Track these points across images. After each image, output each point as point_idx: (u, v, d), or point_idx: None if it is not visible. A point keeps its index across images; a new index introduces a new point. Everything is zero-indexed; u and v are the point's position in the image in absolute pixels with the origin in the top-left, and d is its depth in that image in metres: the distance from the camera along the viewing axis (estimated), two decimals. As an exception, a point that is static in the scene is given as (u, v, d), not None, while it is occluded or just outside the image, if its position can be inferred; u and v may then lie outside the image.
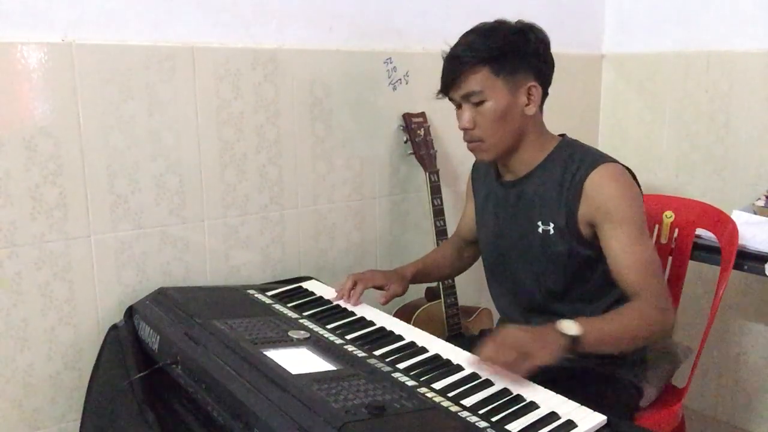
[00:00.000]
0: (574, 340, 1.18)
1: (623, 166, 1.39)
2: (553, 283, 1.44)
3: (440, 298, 1.90)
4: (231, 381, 1.12)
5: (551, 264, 1.42)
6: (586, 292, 1.44)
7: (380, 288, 1.58)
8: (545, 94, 1.44)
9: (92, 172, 1.51)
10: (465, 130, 1.41)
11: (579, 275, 1.42)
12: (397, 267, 1.66)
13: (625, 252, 1.33)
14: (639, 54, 2.39)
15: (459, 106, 1.42)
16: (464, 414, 1.03)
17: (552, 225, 1.40)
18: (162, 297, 1.51)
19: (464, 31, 1.43)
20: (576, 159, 1.39)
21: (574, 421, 1.02)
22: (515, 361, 1.13)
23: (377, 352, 1.26)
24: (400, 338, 1.33)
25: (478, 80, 1.36)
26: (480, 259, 1.78)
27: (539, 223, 1.42)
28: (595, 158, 1.38)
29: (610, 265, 1.35)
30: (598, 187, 1.35)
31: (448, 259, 1.74)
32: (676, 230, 1.77)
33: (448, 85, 1.41)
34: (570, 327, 1.19)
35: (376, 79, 1.91)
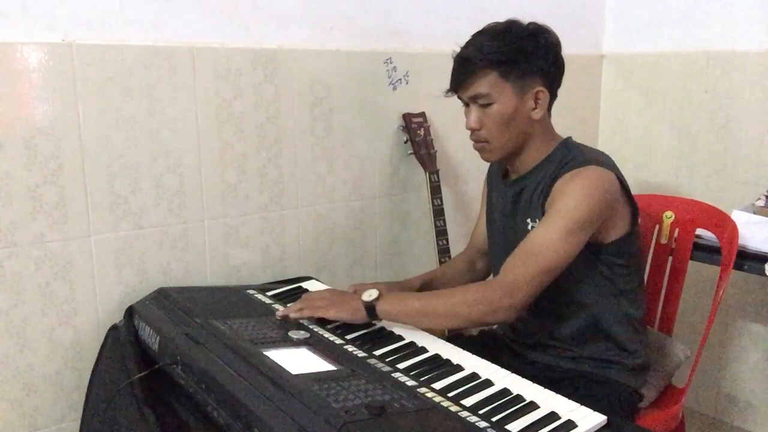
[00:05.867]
0: (370, 306, 1.33)
1: (614, 174, 1.36)
2: None
3: (440, 298, 1.90)
4: (231, 381, 1.12)
5: None
6: (566, 289, 1.41)
7: None
8: (554, 97, 1.43)
9: (92, 172, 1.51)
10: (471, 130, 1.42)
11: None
12: (405, 279, 1.64)
13: (532, 236, 1.33)
14: (639, 54, 2.39)
15: (466, 105, 1.43)
16: (464, 414, 1.03)
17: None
18: (162, 297, 1.51)
19: (465, 29, 1.41)
20: (568, 160, 1.38)
21: (574, 421, 1.02)
22: (321, 306, 1.35)
23: (377, 352, 1.26)
24: (400, 338, 1.33)
25: (487, 83, 1.36)
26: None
27: (528, 220, 1.43)
28: (582, 161, 1.37)
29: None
30: (561, 184, 1.34)
31: (458, 270, 1.70)
32: (676, 230, 1.76)
33: (457, 86, 1.41)
34: (370, 294, 1.34)
35: (376, 79, 1.91)
